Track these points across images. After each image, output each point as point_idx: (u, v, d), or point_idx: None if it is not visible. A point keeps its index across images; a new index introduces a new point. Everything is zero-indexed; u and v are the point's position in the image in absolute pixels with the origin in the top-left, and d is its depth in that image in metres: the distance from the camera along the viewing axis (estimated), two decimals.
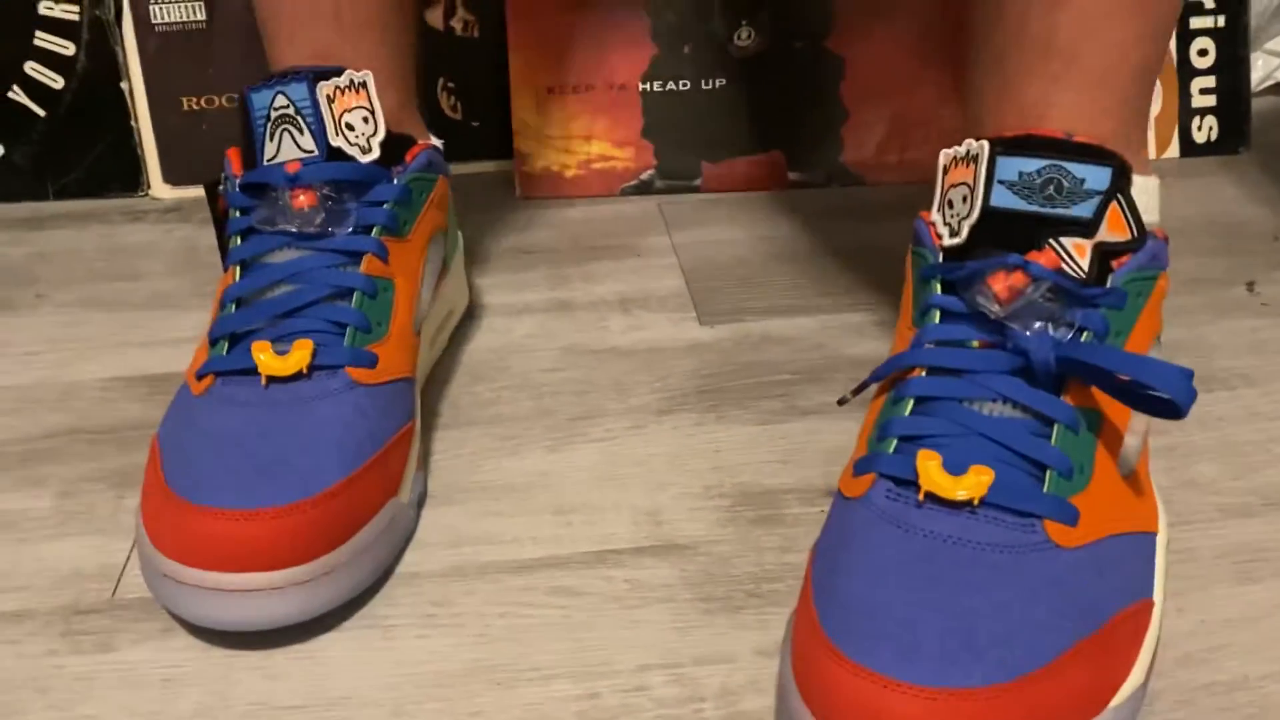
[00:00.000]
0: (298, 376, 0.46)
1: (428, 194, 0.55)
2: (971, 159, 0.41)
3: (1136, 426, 0.41)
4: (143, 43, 0.77)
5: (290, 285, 0.48)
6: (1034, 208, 0.40)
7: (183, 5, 0.77)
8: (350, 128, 0.51)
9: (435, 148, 0.57)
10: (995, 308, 0.39)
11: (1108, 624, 0.36)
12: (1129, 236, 0.40)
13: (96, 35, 0.77)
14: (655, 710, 0.40)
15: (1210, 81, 0.82)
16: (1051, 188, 0.40)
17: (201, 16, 0.77)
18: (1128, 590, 0.38)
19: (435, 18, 0.80)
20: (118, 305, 0.67)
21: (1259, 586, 0.44)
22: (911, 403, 0.40)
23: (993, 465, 0.38)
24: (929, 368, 0.40)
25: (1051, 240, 0.39)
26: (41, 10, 0.76)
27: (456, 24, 0.80)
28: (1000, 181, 0.40)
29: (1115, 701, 0.36)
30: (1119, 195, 0.40)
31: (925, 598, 0.36)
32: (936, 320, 0.41)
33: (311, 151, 0.50)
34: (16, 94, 0.77)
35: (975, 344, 0.40)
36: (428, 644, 0.43)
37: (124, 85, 0.78)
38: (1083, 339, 0.39)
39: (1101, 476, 0.39)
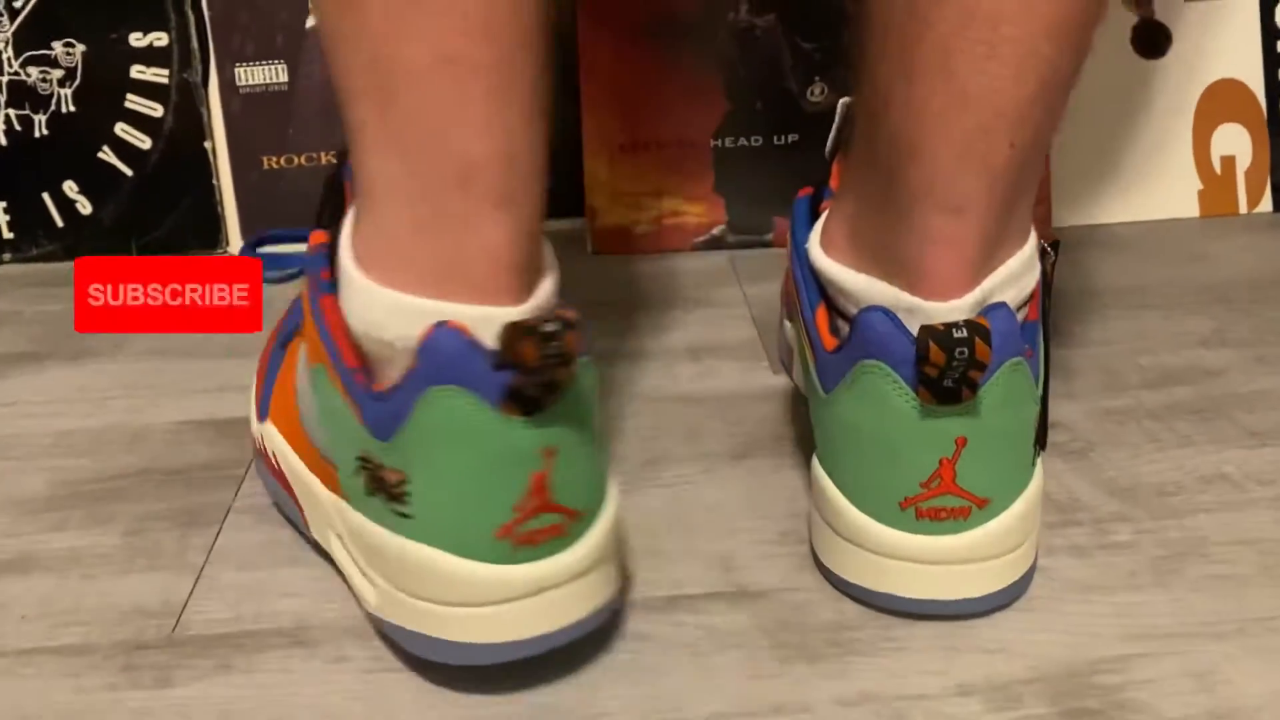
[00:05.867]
0: None
1: None
2: None
3: None
4: (227, 104, 0.79)
5: None
6: None
7: (266, 68, 0.79)
8: None
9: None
10: None
11: None
12: None
13: (184, 97, 0.79)
14: None
15: None
16: None
17: (284, 79, 0.79)
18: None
19: None
20: (192, 354, 0.67)
21: None
22: None
23: None
24: None
25: None
26: (133, 74, 0.79)
27: None
28: None
29: None
30: None
31: None
32: None
33: None
34: (106, 154, 0.80)
35: None
36: (491, 686, 0.41)
37: (208, 145, 0.80)
38: None
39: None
